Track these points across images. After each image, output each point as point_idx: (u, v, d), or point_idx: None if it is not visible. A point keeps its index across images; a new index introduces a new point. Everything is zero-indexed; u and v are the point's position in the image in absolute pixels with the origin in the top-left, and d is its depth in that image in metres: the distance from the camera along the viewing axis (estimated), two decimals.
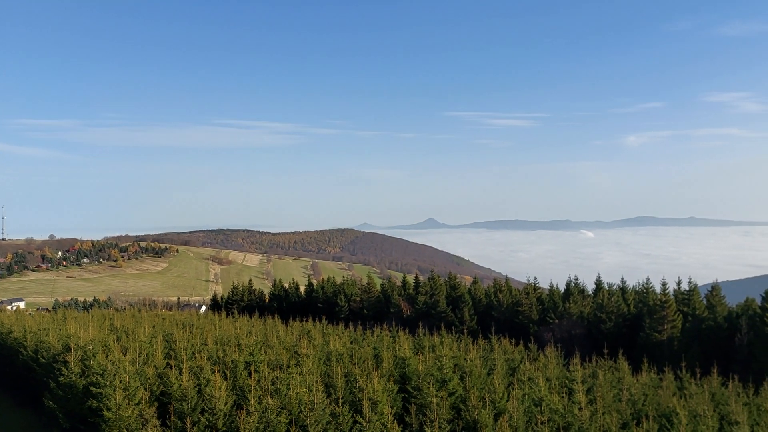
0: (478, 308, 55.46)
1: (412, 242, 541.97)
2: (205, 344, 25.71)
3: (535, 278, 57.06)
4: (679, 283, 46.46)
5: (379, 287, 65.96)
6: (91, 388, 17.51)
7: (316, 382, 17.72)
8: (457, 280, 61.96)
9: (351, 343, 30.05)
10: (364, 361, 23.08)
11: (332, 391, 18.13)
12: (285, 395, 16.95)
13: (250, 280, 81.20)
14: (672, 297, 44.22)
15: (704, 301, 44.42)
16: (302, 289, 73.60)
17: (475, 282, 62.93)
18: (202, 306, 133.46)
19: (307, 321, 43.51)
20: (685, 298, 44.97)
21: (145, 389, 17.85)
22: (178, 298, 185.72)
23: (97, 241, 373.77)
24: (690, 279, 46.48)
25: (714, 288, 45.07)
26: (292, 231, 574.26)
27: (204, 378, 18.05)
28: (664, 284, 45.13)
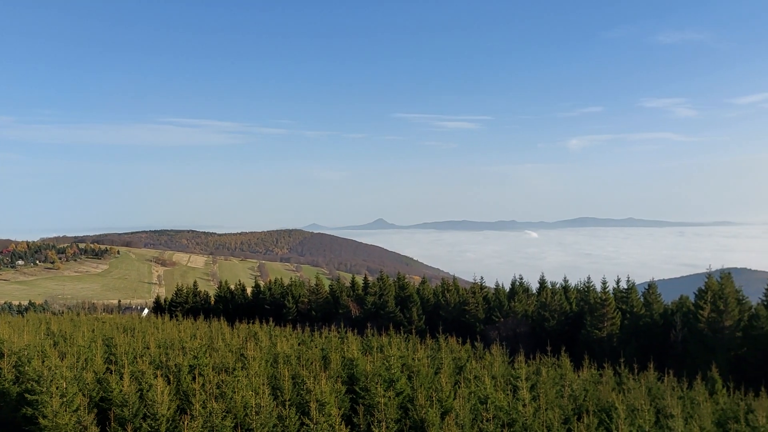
0: (426, 308, 55.99)
1: (361, 243, 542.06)
2: (148, 348, 25.02)
3: (482, 278, 57.96)
4: (618, 282, 48.23)
5: (327, 288, 65.76)
6: (26, 395, 16.78)
7: (263, 384, 17.51)
8: (406, 281, 62.42)
9: (299, 344, 29.84)
10: (312, 363, 22.95)
11: (279, 394, 17.94)
12: (230, 399, 16.68)
13: (195, 282, 79.62)
14: (611, 295, 45.79)
15: (641, 299, 46.21)
16: (249, 290, 72.64)
17: (423, 282, 63.55)
18: (144, 309, 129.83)
19: (253, 323, 42.96)
20: (624, 296, 46.64)
21: (84, 395, 17.23)
22: (119, 301, 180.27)
23: (33, 242, 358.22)
24: (628, 278, 48.30)
25: (650, 286, 46.92)
26: (239, 232, 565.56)
27: (146, 383, 17.57)
28: (604, 283, 46.70)
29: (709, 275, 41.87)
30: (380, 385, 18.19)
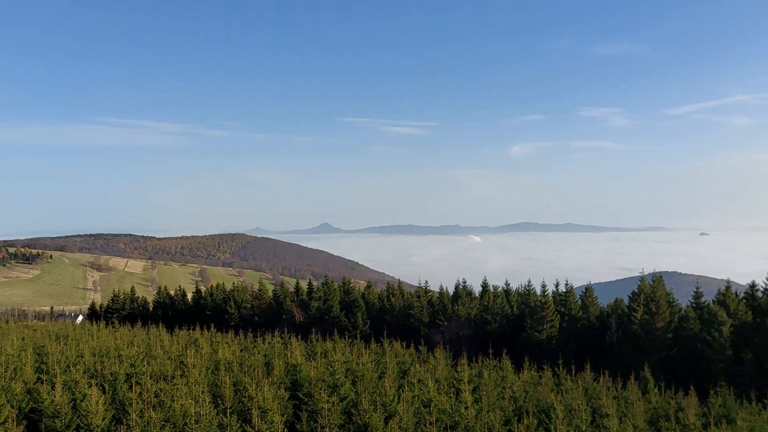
0: (371, 312, 56.03)
1: (306, 247, 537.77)
2: (82, 356, 24.09)
3: (426, 282, 58.66)
4: (557, 286, 49.63)
5: (271, 293, 64.94)
6: None
7: (203, 392, 17.13)
8: (351, 285, 62.28)
9: (241, 351, 29.35)
10: (254, 369, 22.61)
11: (220, 401, 17.58)
12: (169, 407, 16.22)
13: (133, 288, 77.22)
14: (551, 298, 47.04)
15: (579, 302, 47.65)
16: (189, 296, 70.95)
17: (368, 286, 63.55)
18: (78, 316, 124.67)
19: (194, 329, 41.97)
20: (563, 299, 47.99)
21: (12, 406, 16.40)
22: (52, 308, 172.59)
23: None
24: (567, 281, 49.79)
25: (588, 289, 48.47)
26: (179, 236, 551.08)
27: (80, 392, 16.89)
28: (543, 286, 47.93)
29: (642, 278, 43.57)
30: (324, 390, 18.09)
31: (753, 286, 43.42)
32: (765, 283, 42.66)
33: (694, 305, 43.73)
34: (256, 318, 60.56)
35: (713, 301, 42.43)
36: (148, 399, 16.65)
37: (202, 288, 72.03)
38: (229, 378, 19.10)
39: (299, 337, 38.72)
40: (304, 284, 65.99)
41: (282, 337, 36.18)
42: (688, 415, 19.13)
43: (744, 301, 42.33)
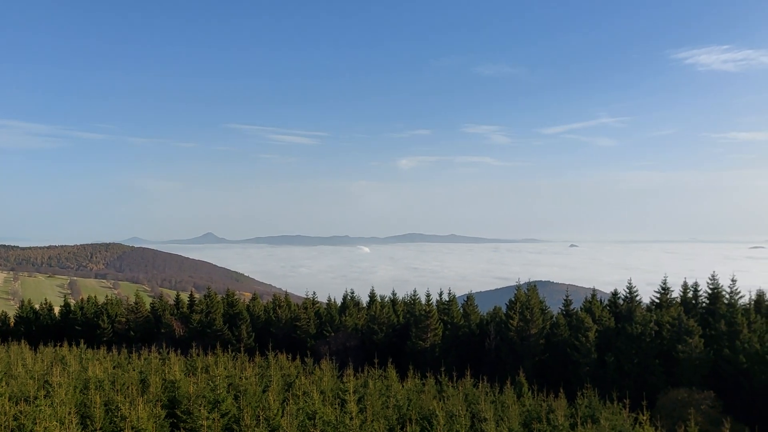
0: (256, 325, 54.79)
1: (187, 258, 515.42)
2: None
3: (314, 293, 58.28)
4: (441, 295, 51.22)
5: (148, 306, 61.73)
6: None
7: (70, 413, 15.88)
8: (236, 297, 60.58)
9: (114, 368, 27.61)
10: (128, 387, 21.30)
11: (89, 423, 16.42)
12: (30, 431, 14.88)
13: None
14: (435, 307, 48.44)
15: (461, 310, 49.46)
16: (57, 310, 65.70)
17: (254, 298, 62.13)
18: None
19: (62, 346, 38.98)
20: (446, 307, 49.58)
21: None
22: None
23: None
24: (450, 290, 51.53)
25: (469, 298, 50.46)
26: (47, 245, 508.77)
27: None
28: (428, 296, 49.31)
29: (518, 288, 46.07)
30: (204, 407, 17.42)
31: (615, 294, 47.35)
32: (625, 291, 46.64)
33: (564, 312, 46.87)
34: (132, 333, 57.23)
35: (581, 309, 45.74)
36: (6, 423, 15.18)
37: (72, 301, 66.96)
38: (100, 397, 17.87)
39: (179, 352, 37.10)
40: (185, 296, 63.34)
41: (160, 353, 34.47)
42: (557, 416, 20.36)
43: (607, 308, 46.01)
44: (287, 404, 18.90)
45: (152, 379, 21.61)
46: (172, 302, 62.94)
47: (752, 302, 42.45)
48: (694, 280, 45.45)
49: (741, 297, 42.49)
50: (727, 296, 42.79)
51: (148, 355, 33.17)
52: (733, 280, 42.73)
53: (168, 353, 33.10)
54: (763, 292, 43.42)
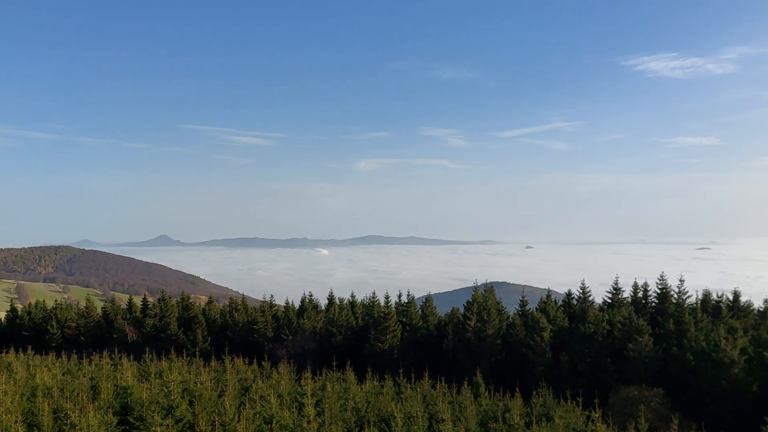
0: (212, 329, 53.93)
1: (141, 261, 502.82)
2: None
3: (272, 296, 57.72)
4: (399, 296, 51.39)
5: (100, 311, 60.09)
6: None
7: (16, 422, 15.30)
8: (191, 301, 59.50)
9: (63, 374, 26.75)
10: (78, 394, 20.65)
11: (37, 431, 15.84)
12: None
13: None
14: (393, 309, 48.59)
15: (420, 312, 49.76)
16: (2, 315, 63.32)
17: (210, 302, 61.17)
18: None
19: (7, 352, 37.62)
20: (405, 309, 49.79)
21: None
22: None
23: None
24: (408, 292, 51.77)
25: (427, 300, 50.79)
26: None
27: None
28: (387, 298, 49.41)
29: (475, 289, 46.62)
30: (158, 413, 17.05)
31: (569, 294, 48.39)
32: (579, 292, 47.72)
33: (520, 313, 47.64)
34: (83, 338, 55.61)
35: (536, 309, 46.57)
36: None
37: (19, 306, 64.53)
38: (48, 405, 17.27)
39: (132, 357, 36.28)
40: (138, 300, 61.89)
41: (112, 358, 33.62)
42: (513, 415, 20.67)
43: (562, 308, 46.98)
44: (244, 409, 18.65)
45: (103, 386, 21.02)
46: (124, 306, 61.41)
47: (699, 302, 44.03)
48: (644, 281, 46.89)
49: (688, 297, 44.04)
50: (675, 296, 44.29)
51: (100, 360, 32.28)
52: (681, 281, 44.26)
53: (120, 359, 32.33)
54: (709, 291, 45.13)
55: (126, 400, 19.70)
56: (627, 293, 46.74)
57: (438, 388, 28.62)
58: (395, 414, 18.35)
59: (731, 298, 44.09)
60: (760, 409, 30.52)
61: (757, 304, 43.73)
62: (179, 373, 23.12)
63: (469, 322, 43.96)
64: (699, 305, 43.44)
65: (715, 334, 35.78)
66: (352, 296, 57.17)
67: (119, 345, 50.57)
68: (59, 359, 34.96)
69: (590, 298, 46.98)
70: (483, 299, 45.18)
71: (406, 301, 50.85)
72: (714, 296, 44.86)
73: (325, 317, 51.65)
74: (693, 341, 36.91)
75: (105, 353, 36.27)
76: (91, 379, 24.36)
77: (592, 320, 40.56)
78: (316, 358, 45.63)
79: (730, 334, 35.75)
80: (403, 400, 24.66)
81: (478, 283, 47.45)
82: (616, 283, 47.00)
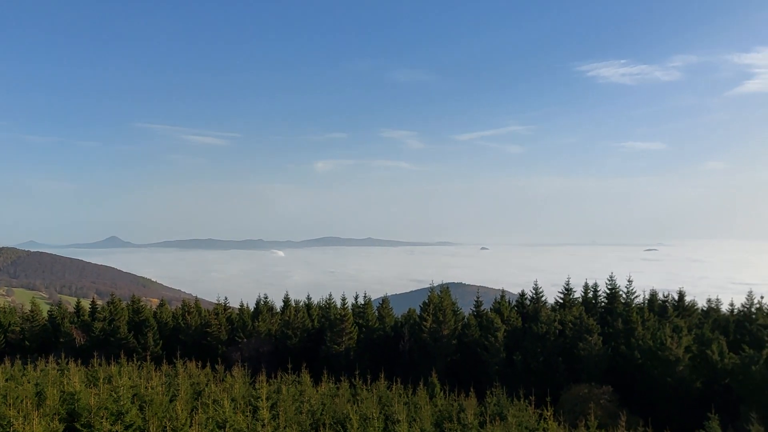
0: (164, 332, 52.78)
1: (90, 263, 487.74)
2: None
3: (226, 298, 56.84)
4: (356, 298, 51.34)
5: (45, 314, 58.00)
6: None
7: None
8: (142, 304, 58.06)
9: (6, 380, 25.70)
10: (22, 401, 19.90)
11: None
12: None
13: None
14: (350, 311, 48.53)
15: (376, 313, 49.85)
16: None
17: (162, 305, 59.79)
18: None
19: None
20: (361, 311, 49.77)
21: None
22: None
23: None
24: (365, 294, 51.73)
25: (384, 301, 50.93)
26: None
27: None
28: (343, 299, 49.35)
29: (431, 289, 46.97)
30: (106, 419, 16.60)
31: (523, 295, 49.28)
32: (532, 292, 48.65)
33: (475, 313, 48.25)
34: (27, 343, 53.60)
35: (491, 309, 47.24)
36: None
37: None
38: None
39: (79, 362, 35.20)
40: (86, 303, 59.99)
41: (58, 363, 32.47)
42: (467, 415, 20.93)
43: (515, 308, 47.80)
44: (196, 413, 18.34)
45: (49, 392, 20.33)
46: (72, 310, 59.45)
47: (646, 301, 45.50)
48: (594, 281, 48.06)
49: (636, 296, 45.45)
50: (624, 296, 45.63)
51: (45, 366, 31.20)
52: (629, 281, 45.65)
53: (67, 364, 31.28)
54: (656, 291, 46.66)
55: (73, 407, 19.11)
56: (578, 293, 47.86)
57: (394, 389, 28.74)
58: (351, 416, 18.35)
59: (677, 297, 45.72)
60: (703, 405, 31.68)
61: (701, 303, 45.59)
62: (129, 378, 22.56)
63: (424, 323, 44.26)
64: (646, 305, 44.85)
65: (661, 333, 36.99)
66: (308, 298, 56.79)
67: (66, 350, 48.90)
68: (2, 365, 33.66)
69: (543, 299, 47.93)
70: (439, 300, 45.57)
71: (362, 302, 50.81)
72: (660, 296, 46.38)
73: (280, 319, 51.18)
74: (640, 340, 38.07)
75: (51, 358, 35.03)
76: (36, 385, 23.54)
77: (544, 320, 41.39)
78: (271, 360, 45.16)
79: (675, 332, 37.02)
80: (359, 402, 24.67)
81: (434, 284, 47.85)
82: (567, 284, 48.08)
